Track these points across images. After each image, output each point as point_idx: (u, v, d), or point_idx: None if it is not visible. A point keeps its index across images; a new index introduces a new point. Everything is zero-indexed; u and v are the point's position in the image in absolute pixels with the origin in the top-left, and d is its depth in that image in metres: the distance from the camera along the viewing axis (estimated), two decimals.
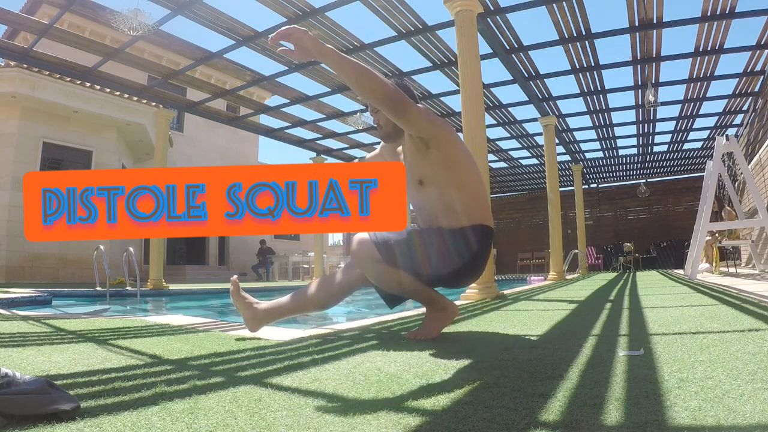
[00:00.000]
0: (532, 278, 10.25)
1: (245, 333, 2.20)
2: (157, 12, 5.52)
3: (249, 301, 2.06)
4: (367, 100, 1.76)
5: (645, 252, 15.29)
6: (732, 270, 7.83)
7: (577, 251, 11.71)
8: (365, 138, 10.81)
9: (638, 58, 6.85)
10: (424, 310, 3.25)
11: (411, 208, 2.13)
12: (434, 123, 1.84)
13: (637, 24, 5.90)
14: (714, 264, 7.46)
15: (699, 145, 12.49)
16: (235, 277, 2.17)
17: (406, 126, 1.79)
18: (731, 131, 11.27)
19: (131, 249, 5.84)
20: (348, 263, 2.02)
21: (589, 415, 0.85)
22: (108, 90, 9.61)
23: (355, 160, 2.43)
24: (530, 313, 2.84)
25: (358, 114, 8.74)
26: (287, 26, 1.56)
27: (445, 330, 2.12)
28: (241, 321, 2.14)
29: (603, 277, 8.94)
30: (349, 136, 10.52)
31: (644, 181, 16.57)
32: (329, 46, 1.56)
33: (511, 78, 7.37)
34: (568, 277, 9.58)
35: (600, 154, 13.16)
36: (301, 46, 1.54)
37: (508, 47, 6.42)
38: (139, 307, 5.57)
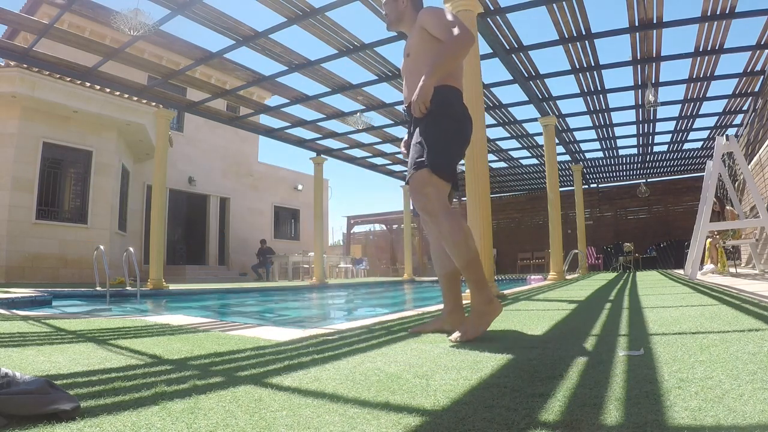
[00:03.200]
0: (531, 278, 10.25)
1: (245, 333, 2.21)
2: (157, 12, 5.52)
3: (445, 314, 2.08)
4: (463, 57, 2.03)
5: (645, 252, 15.29)
6: (732, 270, 7.83)
7: (577, 251, 11.71)
8: (365, 138, 10.81)
9: (638, 58, 6.85)
10: (424, 310, 3.25)
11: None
12: (454, 25, 1.99)
13: (637, 24, 5.90)
14: (720, 265, 7.45)
15: (699, 145, 12.49)
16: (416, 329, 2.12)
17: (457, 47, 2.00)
18: (731, 131, 11.27)
19: (131, 249, 5.84)
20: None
21: (589, 415, 0.85)
22: (108, 90, 9.60)
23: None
24: (530, 313, 2.84)
25: (358, 114, 8.73)
26: (417, 105, 1.91)
27: (445, 330, 2.12)
28: (241, 321, 2.14)
29: (603, 277, 8.94)
30: (349, 136, 10.52)
31: (644, 181, 16.57)
32: (425, 80, 1.89)
33: (511, 78, 7.37)
34: (568, 277, 9.58)
35: (600, 154, 13.16)
36: (424, 103, 1.90)
37: (508, 47, 6.41)
38: (139, 307, 5.57)
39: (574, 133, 10.81)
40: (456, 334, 1.83)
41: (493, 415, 0.86)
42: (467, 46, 1.94)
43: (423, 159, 1.94)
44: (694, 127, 10.60)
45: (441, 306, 2.56)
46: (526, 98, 8.18)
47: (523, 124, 10.14)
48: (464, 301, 2.22)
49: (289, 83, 7.82)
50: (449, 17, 2.02)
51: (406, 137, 2.29)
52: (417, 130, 2.06)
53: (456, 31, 1.93)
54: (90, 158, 10.50)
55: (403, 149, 2.29)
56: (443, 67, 1.92)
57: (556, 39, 6.24)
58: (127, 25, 5.29)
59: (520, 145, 11.87)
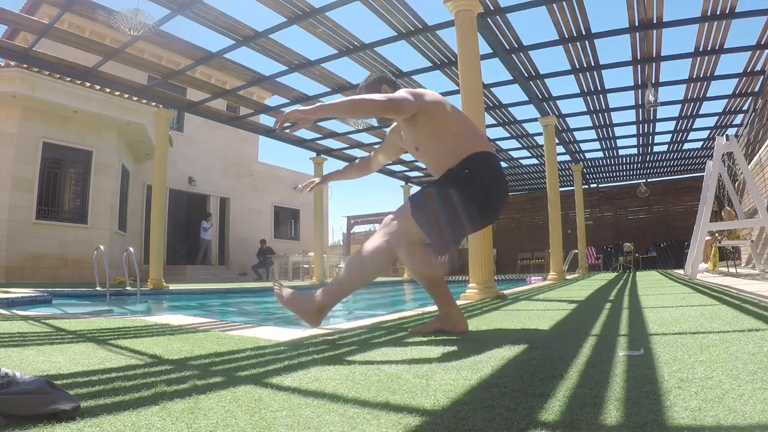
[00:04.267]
0: (531, 278, 10.25)
1: (245, 333, 2.20)
2: (157, 12, 5.53)
3: (302, 295, 2.07)
4: (366, 118, 1.98)
5: (645, 252, 15.29)
6: (732, 270, 7.83)
7: (577, 251, 11.70)
8: (365, 138, 10.81)
9: (638, 58, 6.85)
10: (423, 310, 3.26)
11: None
12: (415, 101, 2.02)
13: (637, 24, 5.90)
14: (711, 263, 7.45)
15: (699, 145, 12.49)
16: (276, 283, 2.16)
17: (399, 116, 2.03)
18: (731, 131, 11.27)
19: (131, 249, 5.84)
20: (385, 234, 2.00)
21: (589, 415, 0.85)
22: (108, 90, 9.60)
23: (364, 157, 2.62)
24: (530, 313, 2.84)
25: None
26: (283, 114, 1.84)
27: (446, 329, 2.12)
28: (241, 321, 2.14)
29: (603, 277, 8.94)
30: (349, 136, 10.53)
31: (644, 181, 16.57)
32: (316, 104, 1.87)
33: (511, 78, 7.37)
34: (568, 277, 9.58)
35: (600, 154, 13.16)
36: (299, 120, 1.84)
37: (508, 47, 6.41)
38: (139, 307, 5.57)
39: (574, 133, 10.82)
40: (423, 328, 2.06)
41: (493, 415, 0.86)
42: (368, 107, 1.92)
43: (411, 198, 2.01)
44: (694, 127, 10.60)
45: None
46: (526, 98, 8.19)
47: (523, 124, 10.14)
48: (464, 301, 2.22)
49: (289, 83, 7.83)
50: (396, 92, 2.05)
51: None
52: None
53: (377, 96, 1.95)
54: (90, 158, 10.50)
55: None
56: (337, 109, 1.87)
57: (556, 39, 6.24)
58: (127, 25, 5.29)
59: (520, 145, 11.88)
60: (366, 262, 1.96)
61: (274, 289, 2.09)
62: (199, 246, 15.00)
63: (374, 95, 1.96)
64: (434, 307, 3.33)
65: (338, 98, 1.90)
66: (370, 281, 2.08)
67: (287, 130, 2.04)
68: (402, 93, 2.02)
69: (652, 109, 8.79)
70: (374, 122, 9.52)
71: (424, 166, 13.39)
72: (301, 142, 10.94)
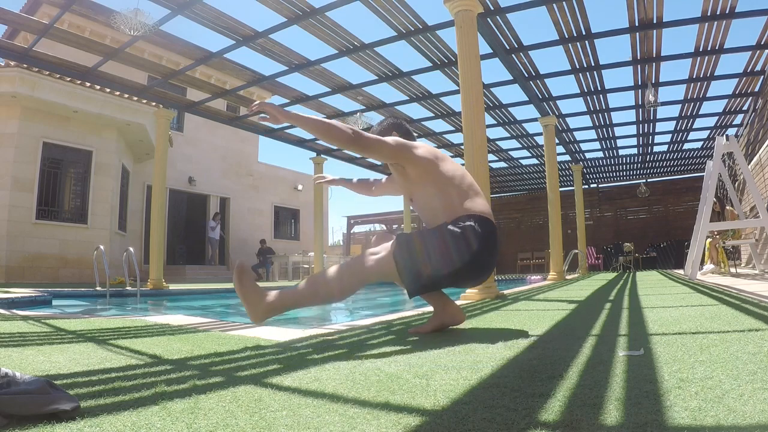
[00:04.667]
0: (531, 278, 10.24)
1: (245, 333, 2.20)
2: (157, 12, 5.53)
3: (260, 288, 1.96)
4: (333, 145, 1.97)
5: (645, 252, 15.29)
6: (732, 270, 7.83)
7: (577, 251, 11.71)
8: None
9: (638, 58, 6.85)
10: (423, 310, 3.26)
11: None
12: (394, 149, 2.01)
13: (637, 24, 5.90)
14: (722, 264, 7.44)
15: (699, 145, 12.49)
16: (241, 261, 2.03)
17: (372, 156, 2.01)
18: (731, 131, 11.27)
19: (131, 249, 5.84)
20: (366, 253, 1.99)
21: (589, 415, 0.85)
22: (108, 90, 9.60)
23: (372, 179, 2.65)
24: (530, 313, 2.84)
25: (357, 114, 8.74)
26: (259, 102, 1.90)
27: (446, 325, 2.13)
28: (241, 321, 2.14)
29: (603, 277, 8.94)
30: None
31: (644, 181, 16.57)
32: (293, 111, 1.89)
33: (511, 78, 7.37)
34: (568, 277, 9.58)
35: (600, 154, 13.16)
36: (271, 114, 1.87)
37: (508, 47, 6.41)
38: (139, 307, 5.57)
39: (574, 133, 10.82)
40: (421, 328, 2.06)
41: (493, 415, 0.86)
42: (338, 136, 1.90)
43: (398, 237, 1.95)
44: (694, 127, 10.60)
45: None
46: (526, 98, 8.19)
47: (523, 124, 10.14)
48: (464, 301, 2.22)
49: (289, 83, 7.83)
50: (396, 139, 2.05)
51: None
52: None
53: (352, 129, 1.93)
54: (90, 158, 10.50)
55: None
56: (309, 124, 1.89)
57: (556, 39, 6.24)
58: (127, 25, 5.29)
59: (520, 145, 11.88)
60: (328, 283, 1.91)
61: (235, 269, 1.95)
62: (208, 245, 15.06)
63: (347, 127, 1.93)
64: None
65: (317, 115, 1.92)
66: (330, 302, 2.02)
67: (258, 117, 1.99)
68: (387, 138, 2.02)
69: (652, 109, 8.79)
70: (374, 122, 9.47)
71: None
72: (301, 142, 10.94)
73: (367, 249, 2.01)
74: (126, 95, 9.90)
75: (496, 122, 9.82)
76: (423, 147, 2.10)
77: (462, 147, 9.52)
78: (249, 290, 1.90)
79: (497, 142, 11.67)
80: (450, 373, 1.25)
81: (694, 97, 8.51)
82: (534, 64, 7.04)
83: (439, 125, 10.11)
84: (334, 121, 1.93)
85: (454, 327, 2.19)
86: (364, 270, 1.91)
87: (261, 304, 1.88)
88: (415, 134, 2.35)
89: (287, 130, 10.20)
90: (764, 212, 5.54)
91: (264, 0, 5.30)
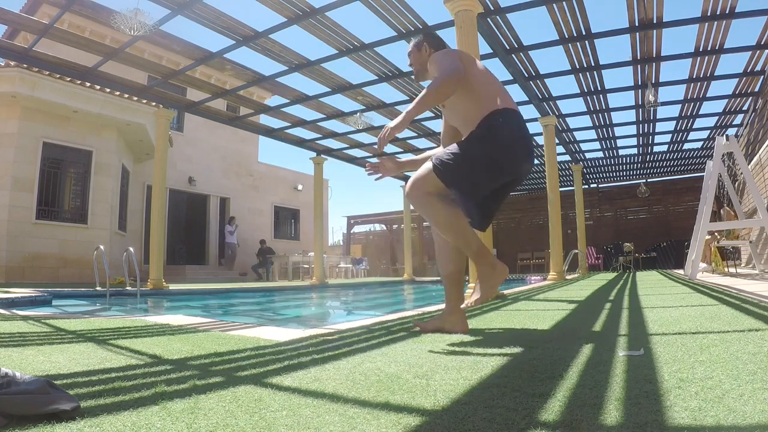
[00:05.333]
0: (531, 278, 10.24)
1: (245, 333, 2.21)
2: (157, 12, 5.52)
3: (445, 314, 2.15)
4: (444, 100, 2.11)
5: (645, 252, 15.29)
6: (732, 270, 7.83)
7: (577, 251, 11.70)
8: (365, 138, 10.81)
9: (638, 58, 6.85)
10: (424, 310, 3.25)
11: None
12: (460, 64, 2.06)
13: (637, 24, 5.90)
14: (714, 264, 7.45)
15: (699, 145, 12.49)
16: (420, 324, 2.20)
17: (460, 81, 2.05)
18: (731, 131, 11.27)
19: (131, 249, 5.83)
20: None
21: (589, 415, 0.85)
22: (108, 90, 9.60)
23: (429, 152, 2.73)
24: (530, 313, 2.84)
25: (358, 114, 8.74)
26: (382, 136, 1.94)
27: (445, 330, 2.12)
28: (241, 321, 2.14)
29: (603, 277, 8.94)
30: (349, 136, 10.53)
31: (644, 181, 16.57)
32: (402, 115, 1.94)
33: (511, 78, 7.36)
34: (568, 277, 9.58)
35: (600, 154, 13.16)
36: (391, 135, 1.93)
37: (508, 47, 6.41)
38: (139, 307, 5.57)
39: (574, 133, 10.82)
40: (472, 299, 2.00)
41: (493, 415, 0.86)
42: (444, 86, 1.97)
43: (436, 160, 2.03)
44: (694, 127, 10.60)
45: (441, 306, 2.61)
46: (526, 98, 8.18)
47: None
48: (465, 301, 2.22)
49: (289, 83, 7.82)
50: (439, 60, 2.11)
51: None
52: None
53: (437, 74, 2.03)
54: (90, 158, 10.49)
55: None
56: (422, 105, 1.97)
57: (556, 39, 6.24)
58: (127, 25, 5.29)
59: None
60: (442, 226, 2.04)
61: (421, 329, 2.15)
62: (227, 250, 15.10)
63: (438, 77, 1.99)
64: (434, 308, 3.33)
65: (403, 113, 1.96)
66: (447, 225, 2.05)
67: (374, 177, 2.34)
68: (453, 62, 2.05)
69: (652, 109, 8.79)
70: (374, 122, 9.45)
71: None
72: (301, 142, 10.94)
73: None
74: (126, 95, 9.89)
75: None
76: (463, 53, 2.20)
77: None
78: (439, 325, 2.12)
79: None
80: (450, 373, 1.25)
81: (694, 97, 8.51)
82: (534, 64, 7.04)
83: (439, 125, 10.08)
84: (435, 87, 1.96)
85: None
86: (434, 211, 2.01)
87: (453, 316, 2.10)
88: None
89: (287, 130, 10.20)
90: (764, 212, 5.54)
91: (264, 0, 5.30)
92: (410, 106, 1.97)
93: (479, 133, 2.00)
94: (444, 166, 1.97)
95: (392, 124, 1.95)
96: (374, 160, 2.31)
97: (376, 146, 9.23)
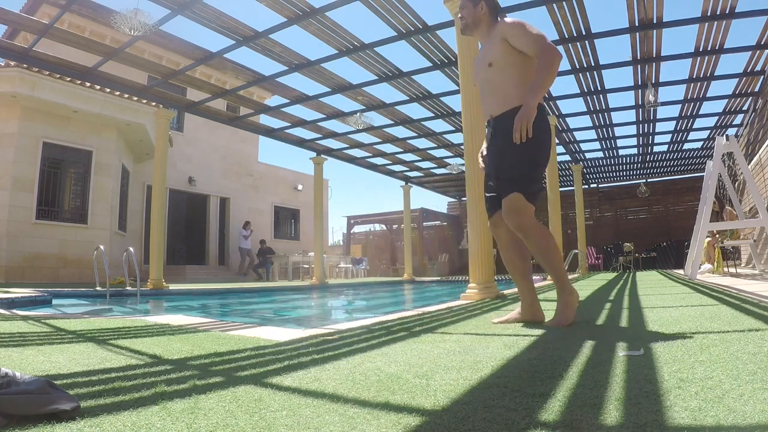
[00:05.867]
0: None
1: (245, 333, 2.21)
2: (157, 12, 5.52)
3: (525, 306, 2.33)
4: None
5: (645, 252, 15.29)
6: (732, 270, 7.83)
7: (577, 251, 11.71)
8: (365, 138, 10.81)
9: (638, 58, 6.85)
10: (424, 310, 3.26)
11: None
12: (544, 40, 2.12)
13: (637, 24, 5.90)
14: (716, 265, 7.45)
15: (699, 145, 12.49)
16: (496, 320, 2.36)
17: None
18: (731, 131, 11.27)
19: (131, 249, 5.83)
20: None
21: (589, 415, 0.85)
22: (108, 90, 9.60)
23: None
24: None
25: (358, 114, 8.74)
26: (522, 126, 2.01)
27: (446, 330, 2.12)
28: (241, 321, 2.14)
29: (603, 277, 8.94)
30: (349, 136, 10.53)
31: (644, 181, 16.57)
32: (529, 102, 2.01)
33: None
34: (568, 277, 9.56)
35: (600, 154, 13.15)
36: (529, 121, 2.00)
37: None
38: (139, 307, 5.57)
39: (574, 133, 10.82)
40: (554, 321, 2.19)
41: (493, 415, 0.86)
42: (559, 62, 2.08)
43: (518, 183, 2.12)
44: (694, 127, 10.60)
45: (441, 306, 2.66)
46: None
47: None
48: (463, 302, 2.22)
49: (289, 83, 7.82)
50: (535, 31, 2.13)
51: (484, 150, 2.41)
52: (504, 145, 2.16)
53: (546, 47, 2.06)
54: (90, 158, 10.49)
55: (480, 160, 2.43)
56: (545, 87, 2.04)
57: (556, 39, 6.24)
58: (127, 25, 5.29)
59: None
60: (546, 252, 2.20)
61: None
62: (245, 257, 15.09)
63: (547, 57, 2.04)
64: (434, 308, 3.34)
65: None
66: (557, 260, 2.24)
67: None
68: (541, 31, 2.14)
69: (652, 109, 8.79)
70: (374, 122, 9.44)
71: (423, 165, 13.42)
72: (301, 142, 10.94)
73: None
74: (126, 95, 9.89)
75: None
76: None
77: (462, 147, 9.52)
78: (520, 317, 2.34)
79: None
80: (450, 373, 1.25)
81: (694, 97, 8.51)
82: None
83: (439, 125, 10.12)
84: (547, 70, 2.03)
85: (454, 328, 2.19)
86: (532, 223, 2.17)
87: (532, 307, 2.32)
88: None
89: (287, 130, 10.20)
90: (764, 212, 5.54)
91: (264, 0, 5.30)
92: (533, 93, 2.02)
93: (541, 127, 2.09)
94: (534, 189, 2.16)
95: (526, 114, 2.00)
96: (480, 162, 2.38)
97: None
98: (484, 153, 2.37)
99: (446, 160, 9.39)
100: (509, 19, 2.22)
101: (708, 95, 8.51)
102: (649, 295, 3.89)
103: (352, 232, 23.03)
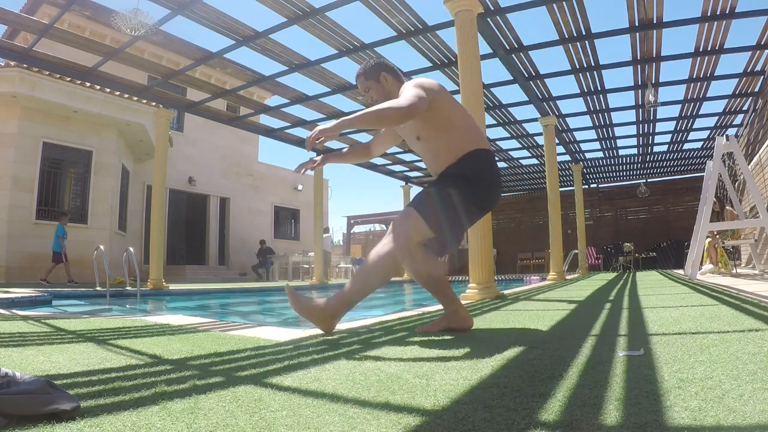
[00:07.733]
0: (531, 278, 10.24)
1: (245, 333, 2.21)
2: (157, 12, 5.53)
3: (315, 302, 2.07)
4: (389, 127, 2.18)
5: (645, 252, 15.29)
6: (732, 270, 7.82)
7: (577, 251, 11.70)
8: (365, 138, 10.81)
9: (638, 58, 6.85)
10: (423, 310, 3.26)
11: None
12: (427, 98, 1.99)
13: (637, 24, 5.90)
14: (721, 265, 7.44)
15: (699, 145, 12.49)
16: (288, 285, 2.15)
17: (413, 118, 2.00)
18: (731, 131, 11.26)
19: (131, 249, 5.83)
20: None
21: (589, 415, 0.85)
22: (108, 90, 9.60)
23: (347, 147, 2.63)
24: (530, 313, 2.84)
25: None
26: (310, 135, 1.91)
27: (453, 328, 2.13)
28: (241, 321, 2.14)
29: (603, 277, 8.93)
30: (348, 136, 10.53)
31: (644, 181, 16.57)
32: (338, 120, 1.90)
33: (511, 78, 7.36)
34: (568, 277, 9.58)
35: (600, 154, 13.16)
36: (324, 136, 1.90)
37: (508, 47, 6.41)
38: (139, 307, 5.57)
39: (574, 133, 10.82)
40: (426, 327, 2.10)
41: (493, 415, 0.86)
42: (397, 116, 1.92)
43: (420, 203, 2.02)
44: (694, 127, 10.60)
45: (441, 305, 2.61)
46: (526, 98, 8.18)
47: (523, 124, 10.13)
48: (464, 302, 2.23)
49: (289, 83, 7.82)
50: (407, 90, 2.01)
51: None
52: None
53: (402, 99, 1.94)
54: (90, 158, 10.50)
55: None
56: (363, 119, 1.91)
57: (556, 39, 6.24)
58: (127, 25, 5.29)
59: (520, 145, 11.87)
60: (371, 270, 1.99)
61: (288, 295, 2.05)
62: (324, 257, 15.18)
63: (394, 103, 1.92)
64: (434, 307, 3.33)
65: (360, 110, 1.96)
66: (379, 286, 2.08)
67: (315, 144, 1.98)
68: (415, 92, 1.96)
69: (652, 109, 8.79)
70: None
71: (423, 165, 13.41)
72: (301, 142, 10.93)
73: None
74: (126, 95, 9.89)
75: (496, 122, 9.81)
76: (435, 84, 2.08)
77: None
78: (306, 307, 2.04)
79: (497, 142, 11.67)
80: (450, 373, 1.25)
81: (694, 97, 8.51)
82: (534, 64, 7.04)
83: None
84: (382, 107, 1.91)
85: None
86: (393, 246, 1.95)
87: (324, 314, 2.01)
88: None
89: (287, 130, 10.20)
90: (764, 212, 5.54)
91: (264, 0, 5.30)
92: (350, 116, 1.92)
93: (467, 173, 1.99)
94: (435, 216, 1.95)
95: (324, 126, 1.90)
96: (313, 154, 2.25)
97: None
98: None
99: None
100: (405, 84, 2.12)
101: (708, 95, 8.51)
102: (649, 295, 3.89)
103: (352, 232, 23.03)
